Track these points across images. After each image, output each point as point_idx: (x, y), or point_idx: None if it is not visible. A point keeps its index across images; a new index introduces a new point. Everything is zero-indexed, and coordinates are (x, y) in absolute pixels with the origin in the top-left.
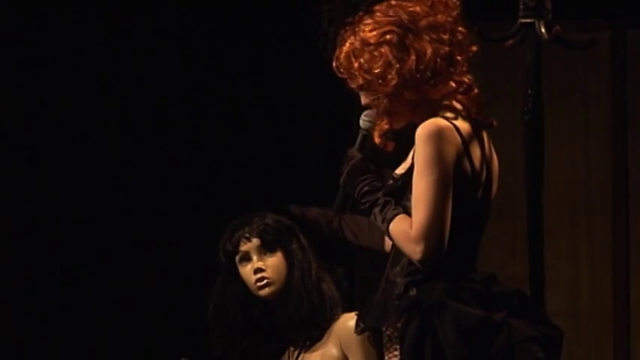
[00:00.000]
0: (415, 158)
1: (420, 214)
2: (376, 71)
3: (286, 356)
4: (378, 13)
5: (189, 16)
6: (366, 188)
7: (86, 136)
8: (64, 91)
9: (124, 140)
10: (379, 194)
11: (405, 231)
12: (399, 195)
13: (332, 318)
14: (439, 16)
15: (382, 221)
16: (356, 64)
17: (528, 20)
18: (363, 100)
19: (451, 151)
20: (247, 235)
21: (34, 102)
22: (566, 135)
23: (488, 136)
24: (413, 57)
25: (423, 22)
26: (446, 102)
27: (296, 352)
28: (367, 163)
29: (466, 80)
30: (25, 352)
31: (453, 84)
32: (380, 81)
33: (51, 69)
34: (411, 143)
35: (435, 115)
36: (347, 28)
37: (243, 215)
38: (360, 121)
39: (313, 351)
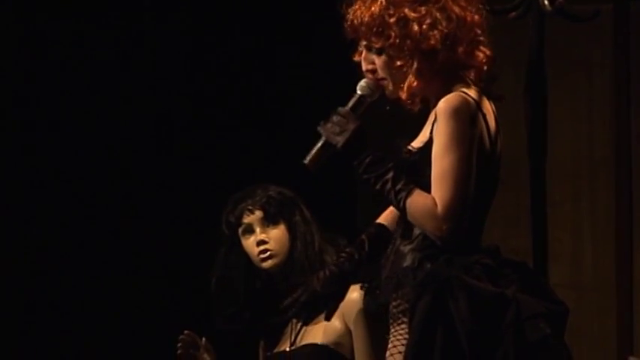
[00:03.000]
0: (438, 133)
1: (446, 191)
2: (417, 28)
3: (289, 328)
4: None
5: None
6: (370, 158)
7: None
8: (64, 89)
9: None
10: (388, 165)
11: (429, 207)
12: (416, 169)
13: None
14: None
15: (395, 194)
16: (392, 20)
17: None
18: (366, 65)
19: (474, 127)
20: (250, 207)
21: (34, 102)
22: (569, 107)
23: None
24: (455, 20)
25: None
26: (461, 74)
27: (299, 325)
28: (364, 130)
29: (489, 52)
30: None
31: (480, 54)
32: (420, 37)
33: (52, 69)
34: (421, 117)
35: (450, 88)
36: None
37: (246, 187)
38: (358, 86)
39: (316, 323)
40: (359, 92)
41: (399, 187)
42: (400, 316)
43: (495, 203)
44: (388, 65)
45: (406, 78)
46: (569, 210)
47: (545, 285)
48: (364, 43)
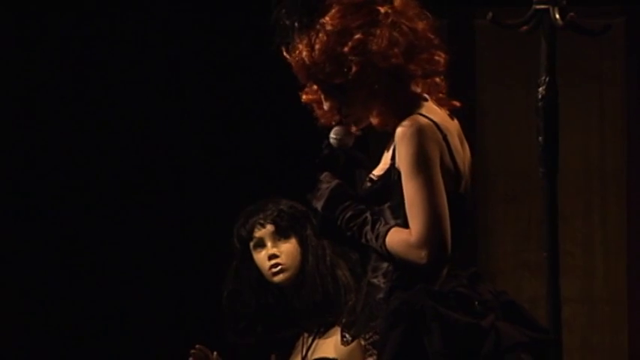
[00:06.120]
0: (399, 160)
1: (417, 217)
2: (377, 49)
3: (300, 342)
4: (345, 1)
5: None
6: (350, 212)
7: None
8: (70, 89)
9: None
10: (367, 214)
11: (405, 239)
12: (379, 197)
13: (346, 304)
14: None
15: (376, 238)
16: (345, 49)
17: (543, 6)
18: (329, 105)
19: (435, 148)
20: (262, 221)
21: (35, 101)
22: (581, 121)
23: (459, 123)
24: (408, 32)
25: (398, 1)
26: (417, 95)
27: (310, 338)
28: (345, 186)
29: (446, 55)
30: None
31: (440, 58)
32: (381, 58)
33: (52, 67)
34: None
35: (410, 111)
36: (306, 25)
37: (257, 201)
38: (331, 140)
39: (327, 337)
40: (333, 145)
41: (377, 232)
42: (370, 347)
43: (507, 217)
44: (353, 98)
45: (375, 104)
46: (580, 223)
47: (528, 313)
48: (319, 83)
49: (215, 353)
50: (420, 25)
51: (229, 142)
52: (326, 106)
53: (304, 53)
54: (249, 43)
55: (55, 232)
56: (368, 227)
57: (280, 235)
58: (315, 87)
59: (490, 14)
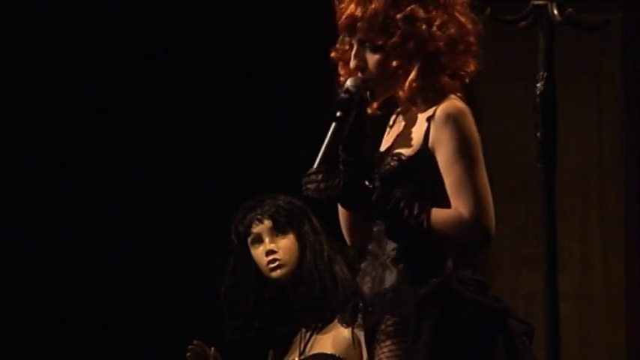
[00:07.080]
0: (442, 142)
1: (469, 196)
2: (426, 27)
3: (298, 338)
4: None
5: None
6: (375, 195)
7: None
8: (68, 91)
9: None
10: (396, 194)
11: (456, 217)
12: (404, 177)
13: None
14: None
15: (415, 219)
16: (398, 16)
17: (541, 2)
18: (357, 62)
19: (476, 132)
20: (259, 216)
21: (36, 102)
22: (579, 116)
23: None
24: (458, 26)
25: None
26: (445, 85)
27: (308, 334)
28: (359, 170)
29: (477, 65)
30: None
31: (472, 65)
32: (427, 38)
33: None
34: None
35: (444, 97)
36: None
37: (255, 197)
38: (350, 87)
39: (325, 332)
40: (351, 90)
41: (416, 211)
42: (391, 335)
43: (505, 212)
44: (383, 64)
45: (399, 79)
46: (578, 219)
47: (511, 309)
48: (358, 38)
49: (213, 349)
50: (469, 26)
51: (228, 139)
52: (353, 63)
53: (359, 4)
54: (249, 43)
55: (54, 232)
56: (402, 205)
57: (278, 230)
58: (345, 46)
59: (488, 10)
